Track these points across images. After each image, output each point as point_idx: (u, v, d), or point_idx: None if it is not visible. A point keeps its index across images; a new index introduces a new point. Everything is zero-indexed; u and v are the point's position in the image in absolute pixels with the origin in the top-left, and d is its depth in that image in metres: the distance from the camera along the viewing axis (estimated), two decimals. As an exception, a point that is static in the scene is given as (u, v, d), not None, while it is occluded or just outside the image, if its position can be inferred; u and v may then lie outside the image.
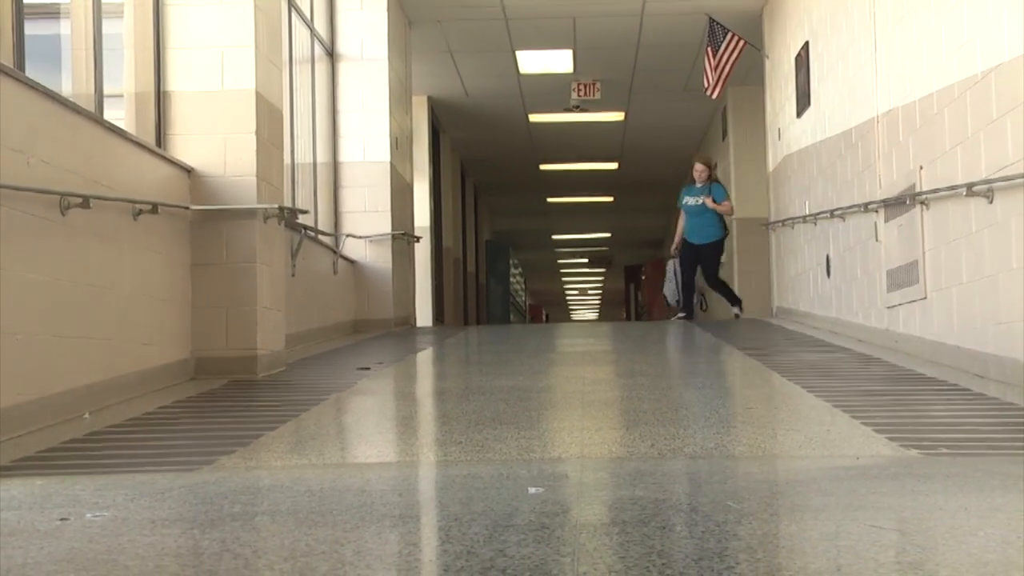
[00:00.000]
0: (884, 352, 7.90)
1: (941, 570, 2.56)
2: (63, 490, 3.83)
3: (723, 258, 13.54)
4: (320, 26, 11.60)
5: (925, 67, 7.35)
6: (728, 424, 5.33)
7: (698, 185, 12.90)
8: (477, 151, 20.74)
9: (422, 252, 15.14)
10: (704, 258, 12.97)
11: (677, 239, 13.16)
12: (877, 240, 8.51)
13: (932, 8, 7.22)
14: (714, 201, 12.75)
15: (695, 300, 13.14)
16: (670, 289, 13.28)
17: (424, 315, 15.39)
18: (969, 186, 6.40)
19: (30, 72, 5.52)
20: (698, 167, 12.94)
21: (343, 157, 11.98)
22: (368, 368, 7.82)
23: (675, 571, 2.48)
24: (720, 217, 12.91)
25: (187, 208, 7.27)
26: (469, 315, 21.80)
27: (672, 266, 13.24)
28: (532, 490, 3.54)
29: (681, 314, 12.85)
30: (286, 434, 5.19)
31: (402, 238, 12.40)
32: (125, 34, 7.33)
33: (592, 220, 29.19)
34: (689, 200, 12.92)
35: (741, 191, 16.27)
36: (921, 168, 7.41)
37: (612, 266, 38.65)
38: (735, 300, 13.30)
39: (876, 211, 8.47)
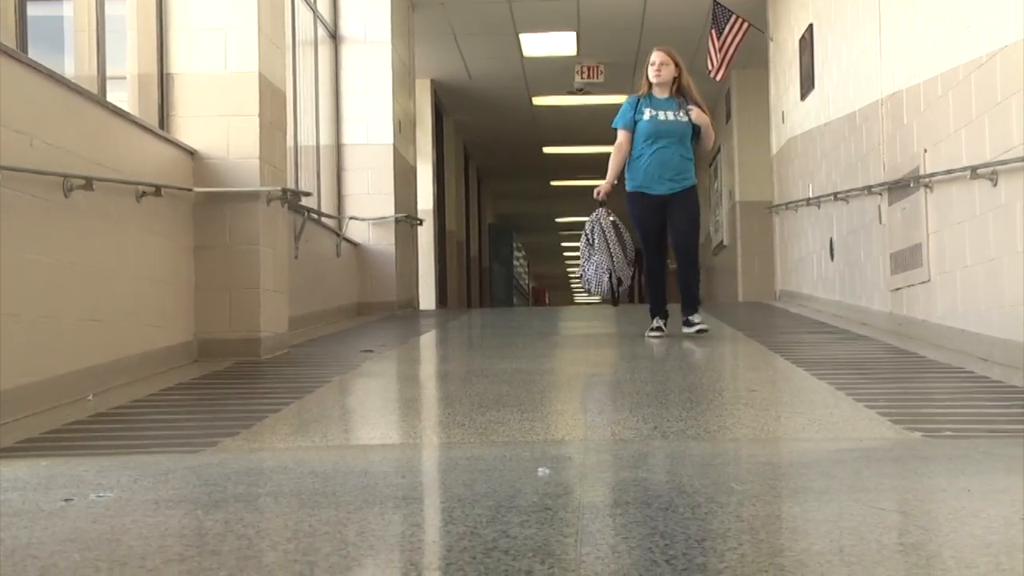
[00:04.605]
0: (887, 335, 7.90)
1: (944, 551, 2.56)
2: (67, 471, 3.84)
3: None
4: (323, 8, 11.58)
5: (929, 49, 7.33)
6: (731, 406, 5.34)
7: (662, 96, 7.94)
8: (480, 134, 20.70)
9: (425, 235, 15.15)
10: (681, 214, 7.87)
11: (611, 178, 8.13)
12: (881, 223, 8.49)
13: (937, -10, 7.20)
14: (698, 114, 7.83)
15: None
16: (599, 273, 8.19)
17: (427, 298, 15.40)
18: (973, 169, 6.39)
19: (33, 54, 5.51)
20: (661, 63, 7.92)
21: (346, 139, 11.98)
22: (371, 350, 7.83)
23: (678, 552, 2.48)
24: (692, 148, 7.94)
25: (190, 190, 7.27)
26: (472, 298, 21.80)
27: (597, 226, 8.27)
28: (540, 471, 3.54)
29: (658, 323, 8.21)
30: (289, 416, 5.19)
31: (405, 221, 12.40)
32: (128, 15, 7.31)
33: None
34: (659, 115, 7.85)
35: (745, 174, 16.28)
36: (925, 151, 7.39)
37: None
38: (697, 300, 8.20)
39: (880, 194, 8.46)
